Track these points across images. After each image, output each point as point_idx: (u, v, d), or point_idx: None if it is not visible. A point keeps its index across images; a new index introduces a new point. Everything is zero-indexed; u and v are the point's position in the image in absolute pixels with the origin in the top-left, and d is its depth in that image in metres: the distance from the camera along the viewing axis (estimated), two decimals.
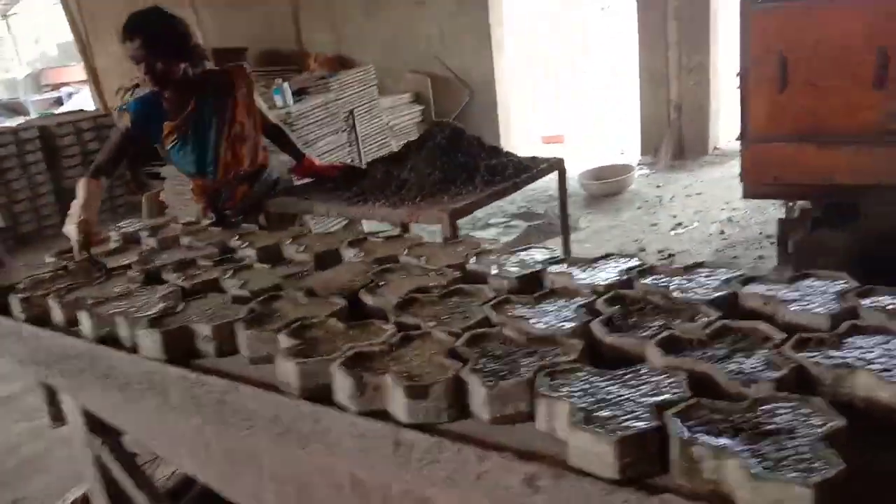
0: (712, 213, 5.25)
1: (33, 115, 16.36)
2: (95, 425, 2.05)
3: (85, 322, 1.68)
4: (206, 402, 1.43)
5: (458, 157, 2.44)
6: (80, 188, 2.20)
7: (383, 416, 1.16)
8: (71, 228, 2.09)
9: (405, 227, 2.40)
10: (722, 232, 4.85)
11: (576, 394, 1.07)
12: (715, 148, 6.59)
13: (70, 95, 18.72)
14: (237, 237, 2.19)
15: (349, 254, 1.88)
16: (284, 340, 1.37)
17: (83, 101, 16.30)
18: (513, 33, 7.06)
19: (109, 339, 1.65)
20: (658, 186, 6.03)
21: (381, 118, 5.82)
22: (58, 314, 1.79)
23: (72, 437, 2.08)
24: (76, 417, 2.04)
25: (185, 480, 2.48)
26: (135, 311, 1.66)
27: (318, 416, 1.24)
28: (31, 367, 1.87)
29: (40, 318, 1.84)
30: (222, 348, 1.52)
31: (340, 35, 7.20)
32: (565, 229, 2.89)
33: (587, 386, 1.09)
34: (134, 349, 1.59)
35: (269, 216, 2.49)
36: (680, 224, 5.12)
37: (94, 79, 7.92)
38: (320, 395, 1.26)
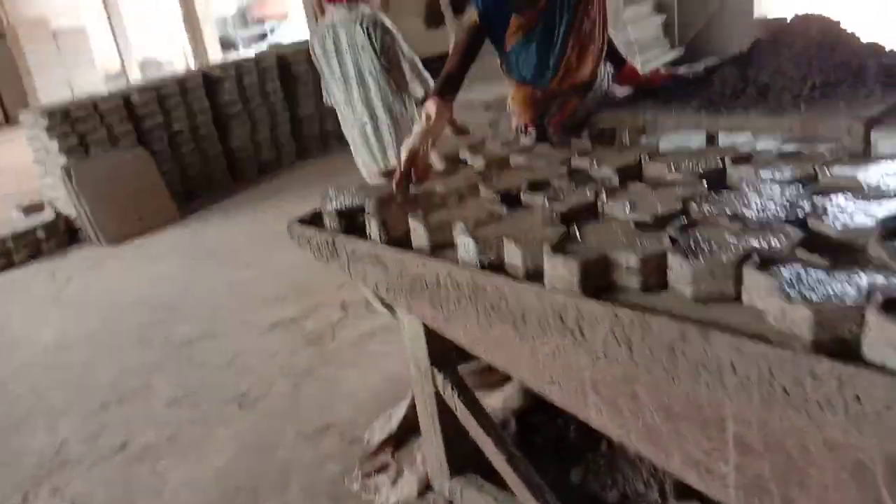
0: None
1: (241, 49, 17.49)
2: (437, 357, 1.94)
3: (466, 246, 1.50)
4: (648, 350, 1.18)
5: (834, 55, 1.98)
6: (427, 109, 1.98)
7: None
8: (402, 154, 1.91)
9: (711, 138, 1.97)
10: None
11: None
12: None
13: (273, 30, 19.75)
14: (578, 154, 1.93)
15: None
16: (768, 279, 1.07)
17: (285, 34, 17.09)
18: None
19: (492, 267, 1.46)
20: None
21: (626, 30, 5.31)
22: (422, 238, 1.63)
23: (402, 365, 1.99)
24: (419, 347, 1.93)
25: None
26: (524, 235, 1.46)
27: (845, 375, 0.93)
28: (390, 294, 1.74)
29: (398, 241, 1.71)
30: (648, 282, 1.27)
31: None
32: None
33: None
34: (529, 277, 1.39)
35: (593, 134, 2.19)
36: None
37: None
38: (839, 348, 0.96)
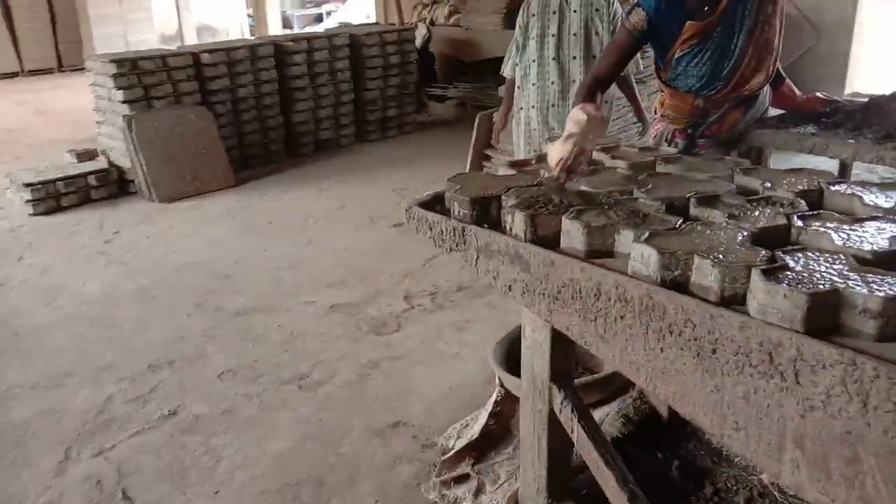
0: None
1: (297, 29, 17.42)
2: (558, 373, 1.75)
3: (644, 257, 1.31)
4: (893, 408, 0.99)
5: None
6: (575, 116, 1.78)
7: None
8: (555, 152, 1.71)
9: None
10: None
11: None
12: None
13: (329, 13, 19.69)
14: (743, 172, 1.74)
15: None
16: None
17: (341, 18, 17.00)
18: None
19: (675, 285, 1.28)
20: None
21: None
22: (578, 241, 1.45)
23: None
24: (541, 360, 1.74)
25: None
26: (714, 254, 1.27)
27: None
28: (526, 297, 1.56)
29: (544, 241, 1.53)
30: (887, 329, 1.08)
31: None
32: None
33: None
34: (723, 303, 1.21)
35: (744, 152, 2.01)
36: None
37: None
38: None
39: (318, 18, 19.57)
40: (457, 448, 2.23)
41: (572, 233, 1.48)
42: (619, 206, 1.57)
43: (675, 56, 1.98)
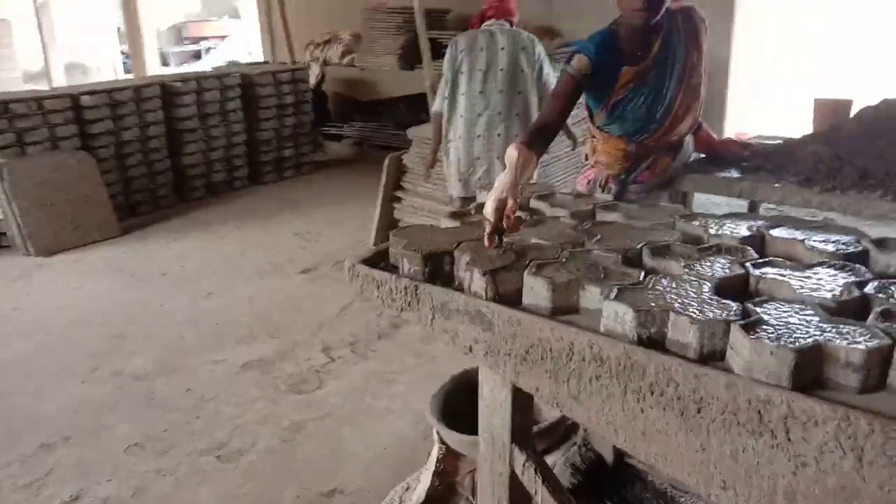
0: None
1: (174, 66, 16.75)
2: (518, 433, 1.69)
3: (618, 316, 1.28)
4: (888, 462, 1.00)
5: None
6: (510, 157, 1.75)
7: None
8: (489, 206, 1.67)
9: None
10: None
11: None
12: None
13: (208, 50, 19.15)
14: (682, 219, 1.77)
15: None
16: None
17: (222, 56, 16.55)
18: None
19: (652, 343, 1.26)
20: None
21: None
22: (542, 298, 1.41)
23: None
24: (501, 419, 1.67)
25: None
26: (686, 309, 1.26)
27: None
28: (490, 359, 1.49)
29: (504, 298, 1.47)
30: (869, 380, 1.10)
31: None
32: None
33: None
34: (702, 360, 1.20)
35: (672, 194, 2.06)
36: None
37: (286, 31, 7.73)
38: None
39: (197, 55, 18.93)
40: None
41: (536, 289, 1.44)
42: (575, 260, 1.55)
43: (613, 101, 2.01)
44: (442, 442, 2.35)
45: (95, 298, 4.11)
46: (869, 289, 1.31)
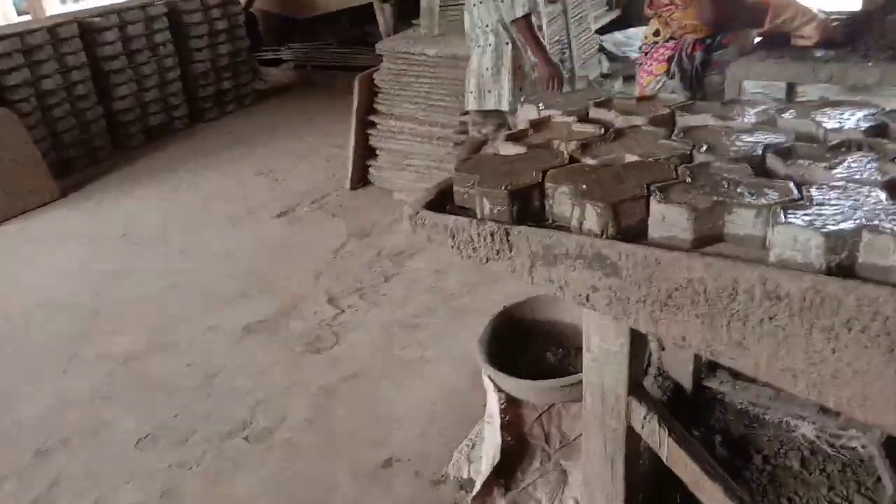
0: None
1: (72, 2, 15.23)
2: (634, 385, 1.47)
3: (806, 243, 1.04)
4: None
5: None
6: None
7: None
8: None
9: None
10: None
11: None
12: None
13: None
14: (795, 112, 1.53)
15: None
16: None
17: None
18: None
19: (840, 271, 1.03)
20: None
21: None
22: (682, 229, 1.16)
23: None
24: (615, 371, 1.44)
25: None
26: (886, 224, 1.03)
27: None
28: (617, 307, 1.25)
29: (626, 233, 1.22)
30: None
31: None
32: None
33: None
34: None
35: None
36: None
37: None
38: None
39: None
40: (481, 479, 1.91)
41: (671, 219, 1.18)
42: (698, 177, 1.29)
43: None
44: (499, 390, 2.15)
45: (54, 273, 3.67)
46: None
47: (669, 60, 1.87)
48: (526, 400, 2.12)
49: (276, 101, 6.70)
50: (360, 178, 4.27)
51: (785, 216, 1.08)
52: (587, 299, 1.29)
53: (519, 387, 2.07)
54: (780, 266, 1.07)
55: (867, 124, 1.43)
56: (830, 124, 1.46)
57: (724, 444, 1.93)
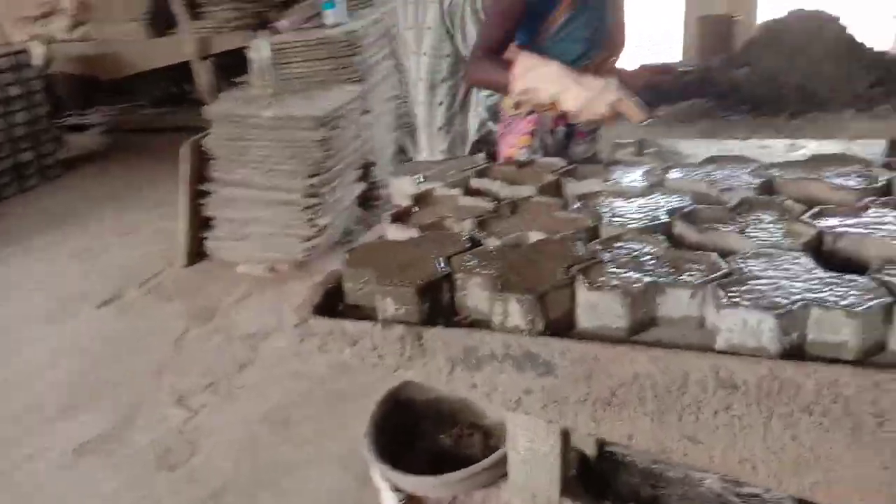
0: None
1: None
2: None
3: (758, 326, 0.97)
4: None
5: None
6: (520, 69, 1.41)
7: None
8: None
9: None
10: None
11: None
12: None
13: None
14: (684, 173, 1.50)
15: None
16: None
17: None
18: None
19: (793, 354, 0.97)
20: None
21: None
22: (617, 316, 1.05)
23: None
24: (546, 472, 1.30)
25: None
26: (832, 296, 0.99)
27: None
28: (550, 411, 1.11)
29: (554, 326, 1.09)
30: None
31: None
32: None
33: None
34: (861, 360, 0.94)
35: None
36: None
37: None
38: None
39: None
40: None
41: (603, 307, 1.07)
42: (611, 254, 1.20)
43: (562, 20, 1.67)
44: (395, 489, 1.94)
45: None
46: None
47: (532, 133, 1.82)
48: (426, 496, 1.93)
49: (88, 170, 6.04)
50: (196, 253, 3.87)
51: (727, 296, 1.01)
52: (519, 403, 1.14)
53: (419, 484, 1.87)
54: (731, 352, 1.00)
55: (756, 180, 1.44)
56: (722, 184, 1.45)
57: None
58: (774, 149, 1.64)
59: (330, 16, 3.92)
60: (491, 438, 2.06)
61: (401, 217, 1.48)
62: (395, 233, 1.42)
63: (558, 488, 1.31)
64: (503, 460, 1.82)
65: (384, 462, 1.91)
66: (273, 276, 3.58)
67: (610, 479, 2.01)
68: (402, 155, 4.69)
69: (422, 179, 1.66)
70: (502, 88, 1.47)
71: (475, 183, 1.62)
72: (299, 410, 2.51)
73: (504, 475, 1.88)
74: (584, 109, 1.36)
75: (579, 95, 1.35)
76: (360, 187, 4.09)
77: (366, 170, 4.17)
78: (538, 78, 1.37)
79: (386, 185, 4.25)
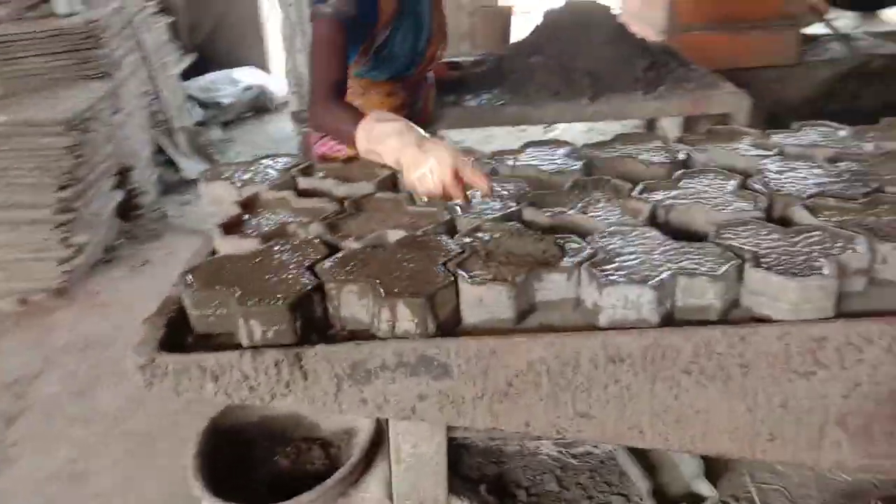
0: None
1: None
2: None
3: (638, 300, 1.03)
4: None
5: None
6: (363, 130, 1.25)
7: None
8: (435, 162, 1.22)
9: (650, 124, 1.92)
10: None
11: None
12: None
13: None
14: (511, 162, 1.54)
15: None
16: None
17: None
18: None
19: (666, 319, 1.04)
20: None
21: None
22: (505, 307, 1.05)
23: None
24: (433, 472, 1.26)
25: None
26: (690, 264, 1.08)
27: None
28: (450, 413, 1.08)
29: (445, 327, 1.05)
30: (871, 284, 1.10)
31: None
32: None
33: None
34: (723, 318, 1.05)
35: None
36: None
37: None
38: None
39: None
40: None
41: (489, 300, 1.06)
42: (481, 245, 1.19)
43: (383, 36, 1.58)
44: None
45: None
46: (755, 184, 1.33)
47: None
48: None
49: None
50: None
51: (604, 276, 1.05)
52: (414, 411, 1.08)
53: None
54: (615, 327, 1.05)
55: (578, 163, 1.52)
56: (548, 167, 1.51)
57: (489, 491, 1.91)
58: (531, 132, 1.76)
59: (61, 4, 3.39)
60: (331, 448, 1.96)
61: (232, 227, 1.33)
62: (231, 245, 1.27)
63: (445, 488, 1.28)
64: (353, 471, 1.75)
65: (217, 497, 1.74)
66: (27, 308, 3.04)
67: (456, 464, 2.03)
68: (161, 155, 4.29)
69: (239, 184, 1.51)
70: (348, 141, 1.35)
71: (304, 182, 1.51)
72: (97, 460, 2.16)
73: (354, 483, 1.82)
74: (420, 179, 1.25)
75: (418, 161, 1.24)
76: (118, 196, 3.64)
77: (123, 176, 3.72)
78: (381, 137, 1.28)
79: (146, 192, 3.85)
